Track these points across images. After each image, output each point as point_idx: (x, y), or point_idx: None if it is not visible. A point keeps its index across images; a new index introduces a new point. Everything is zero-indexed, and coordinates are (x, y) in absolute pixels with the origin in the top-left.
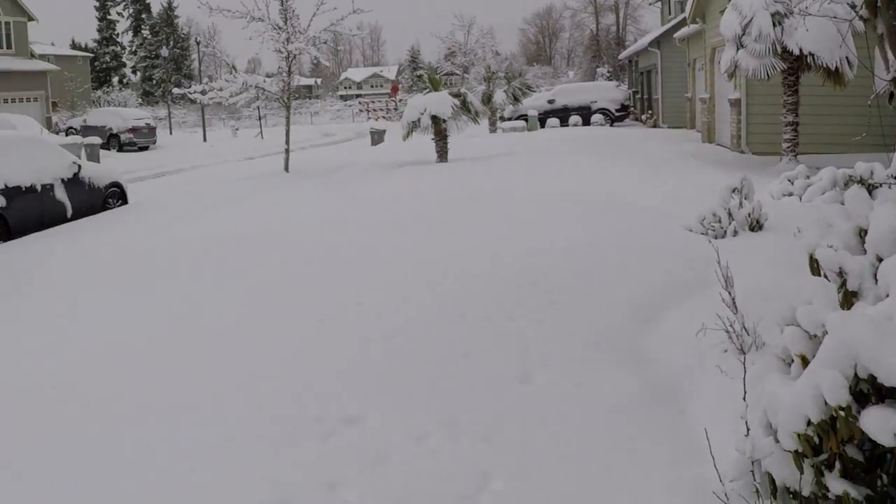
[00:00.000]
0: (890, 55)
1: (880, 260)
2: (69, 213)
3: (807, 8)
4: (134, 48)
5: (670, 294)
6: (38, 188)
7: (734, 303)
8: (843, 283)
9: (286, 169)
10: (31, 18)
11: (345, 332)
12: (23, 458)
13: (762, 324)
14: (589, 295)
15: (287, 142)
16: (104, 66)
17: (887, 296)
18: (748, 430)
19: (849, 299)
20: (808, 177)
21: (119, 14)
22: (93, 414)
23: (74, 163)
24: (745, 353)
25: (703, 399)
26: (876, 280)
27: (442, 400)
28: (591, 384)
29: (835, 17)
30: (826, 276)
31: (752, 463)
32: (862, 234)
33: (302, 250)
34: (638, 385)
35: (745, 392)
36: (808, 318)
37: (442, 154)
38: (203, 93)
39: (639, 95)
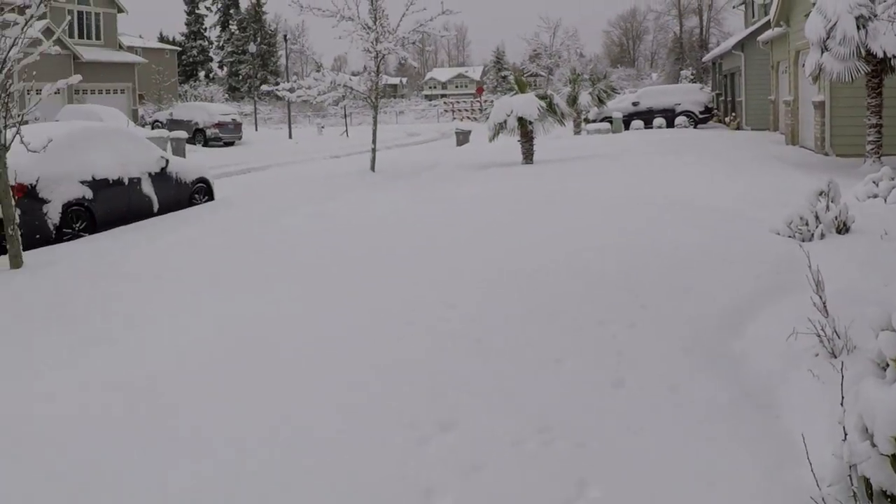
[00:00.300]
0: None
1: None
2: (155, 207)
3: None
4: (221, 43)
5: (759, 297)
6: (126, 181)
7: (825, 306)
8: None
9: (372, 168)
10: (120, 10)
11: (435, 335)
12: None
13: (853, 327)
14: (678, 298)
15: (374, 141)
16: (191, 60)
17: None
18: (845, 434)
19: None
20: (892, 178)
21: (207, 9)
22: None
23: (162, 157)
24: (836, 357)
25: (797, 403)
26: None
27: (536, 405)
28: (685, 389)
29: None
30: None
31: (850, 467)
32: None
33: (390, 251)
34: (731, 389)
35: (843, 397)
36: None
37: (528, 156)
38: (291, 90)
39: (722, 98)
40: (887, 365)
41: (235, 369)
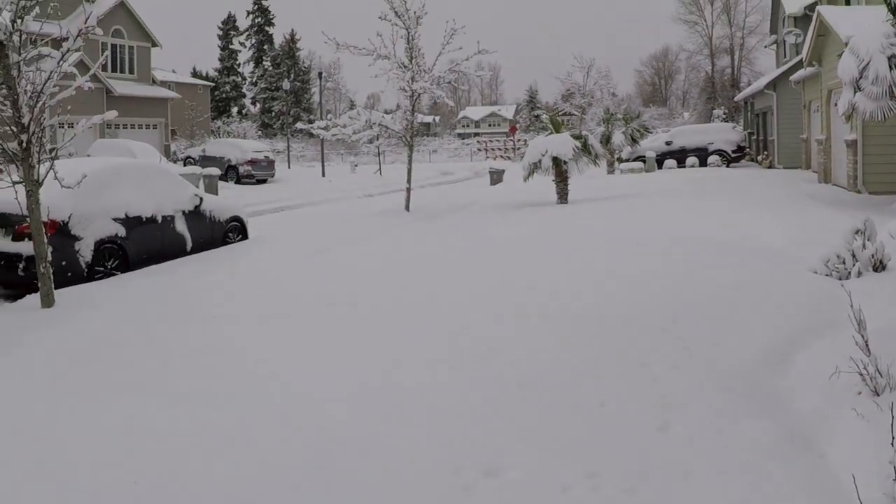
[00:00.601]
0: None
1: None
2: (189, 246)
3: None
4: (254, 79)
5: (800, 336)
6: (159, 219)
7: (867, 345)
8: None
9: (407, 208)
10: (154, 44)
11: (477, 379)
12: None
13: (895, 365)
14: (720, 338)
15: (408, 180)
16: (224, 95)
17: None
18: None
19: None
20: None
21: (241, 44)
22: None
23: (196, 195)
24: (879, 395)
25: (842, 442)
26: None
27: (582, 449)
28: (730, 430)
29: None
30: None
31: None
32: None
33: (429, 294)
34: (776, 430)
35: (894, 437)
36: None
37: (562, 195)
38: (326, 128)
39: (754, 136)
40: None
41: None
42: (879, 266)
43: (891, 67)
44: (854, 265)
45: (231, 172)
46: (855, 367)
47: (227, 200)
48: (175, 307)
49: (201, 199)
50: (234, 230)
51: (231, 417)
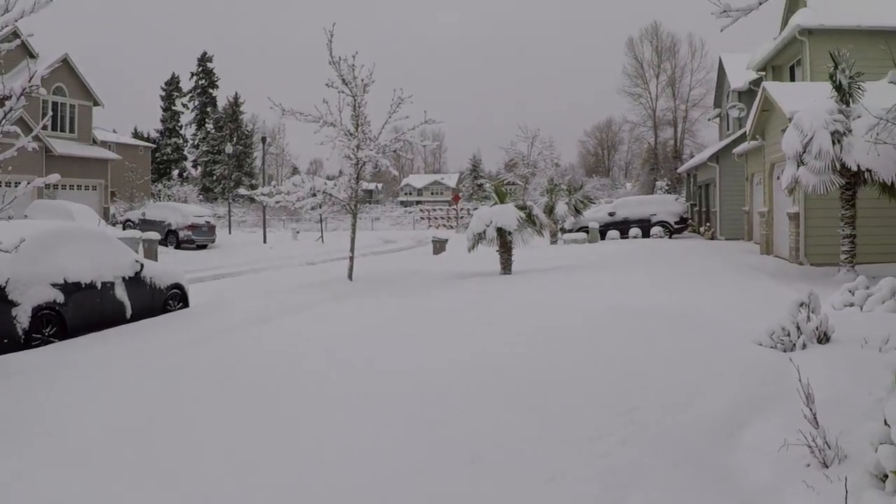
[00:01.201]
0: None
1: None
2: (128, 313)
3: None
4: (196, 142)
5: (747, 408)
6: (99, 285)
7: (815, 418)
8: None
9: (350, 277)
10: (96, 103)
11: (422, 451)
12: None
13: (843, 437)
14: (668, 412)
15: (352, 249)
16: (165, 157)
17: None
18: None
19: None
20: (867, 287)
21: (184, 105)
22: None
23: (136, 261)
24: (828, 467)
25: None
26: None
27: None
28: None
29: None
30: None
31: None
32: None
33: (369, 368)
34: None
35: None
36: None
37: (506, 266)
38: (269, 195)
39: (697, 208)
40: (885, 476)
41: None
42: (824, 338)
43: (834, 142)
44: (799, 337)
45: (171, 237)
46: (803, 439)
47: (168, 267)
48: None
49: (142, 265)
50: (175, 297)
51: None
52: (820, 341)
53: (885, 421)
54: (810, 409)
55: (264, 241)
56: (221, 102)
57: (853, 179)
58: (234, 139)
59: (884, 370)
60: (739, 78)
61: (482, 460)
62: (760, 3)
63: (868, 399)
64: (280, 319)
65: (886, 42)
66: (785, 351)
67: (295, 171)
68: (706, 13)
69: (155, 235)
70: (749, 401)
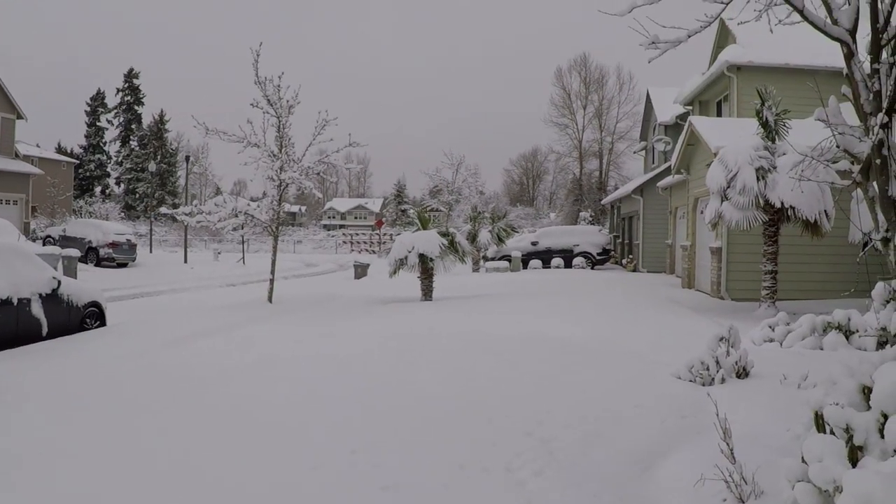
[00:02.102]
0: (881, 216)
1: (885, 416)
2: (44, 331)
3: (802, 171)
4: (120, 159)
5: (665, 442)
6: (14, 302)
7: (732, 453)
8: (850, 439)
9: (269, 299)
10: (20, 116)
11: (330, 484)
12: None
13: (759, 472)
14: (585, 443)
15: (272, 271)
16: (88, 174)
17: (895, 451)
18: None
19: (855, 454)
20: (788, 323)
21: (109, 122)
22: None
23: (54, 278)
24: (744, 503)
25: None
26: (882, 435)
27: None
28: None
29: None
30: (832, 432)
31: None
32: (865, 391)
33: (283, 394)
34: None
35: None
36: (820, 476)
37: (427, 292)
38: (191, 214)
39: (620, 240)
40: None
41: None
42: (743, 373)
43: (758, 179)
44: (718, 372)
45: (91, 254)
46: (720, 474)
47: (86, 284)
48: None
49: (59, 282)
50: (93, 316)
51: None
52: (739, 376)
53: (802, 458)
54: (727, 444)
55: (185, 261)
56: (147, 120)
57: (776, 216)
58: (159, 157)
59: (802, 407)
60: (666, 112)
61: (397, 487)
62: (689, 36)
63: (786, 435)
64: (196, 341)
65: (815, 80)
66: (704, 385)
67: (218, 191)
68: (636, 46)
69: (75, 252)
70: (667, 434)
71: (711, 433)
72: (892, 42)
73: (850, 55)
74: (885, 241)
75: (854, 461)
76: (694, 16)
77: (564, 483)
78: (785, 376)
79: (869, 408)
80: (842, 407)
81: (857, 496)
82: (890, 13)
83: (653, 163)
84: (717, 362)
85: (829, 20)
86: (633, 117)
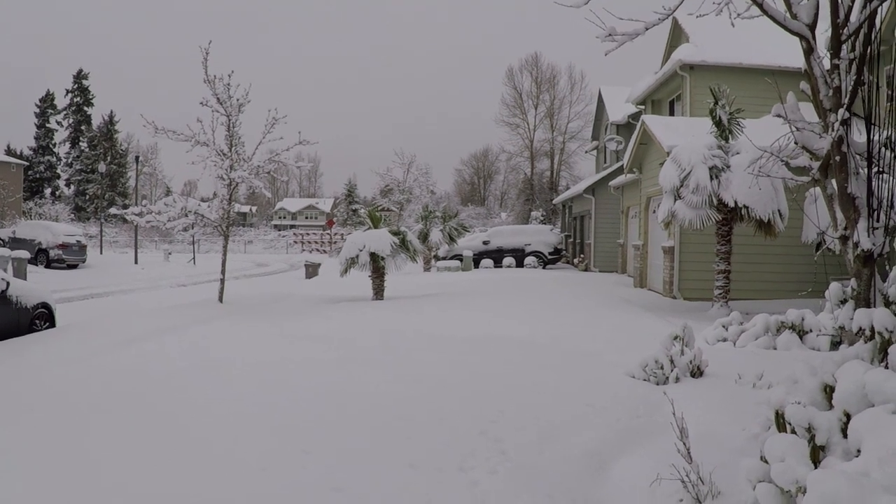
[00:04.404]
0: (839, 213)
1: (848, 416)
2: None
3: (760, 168)
4: (70, 160)
5: (619, 441)
6: None
7: (689, 453)
8: (812, 439)
9: (220, 299)
10: None
11: (287, 484)
12: None
13: (717, 472)
14: (539, 443)
15: (223, 271)
16: (38, 175)
17: (858, 451)
18: None
19: (817, 454)
20: (741, 323)
21: (59, 123)
22: None
23: (3, 279)
24: (701, 503)
25: None
26: (845, 435)
27: None
28: None
29: (792, 179)
30: (794, 431)
31: None
32: (827, 390)
33: (234, 395)
34: None
35: None
36: (782, 476)
37: (378, 292)
38: (140, 215)
39: (571, 239)
40: None
41: None
42: (697, 372)
43: (711, 178)
44: (672, 371)
45: (41, 256)
46: (676, 473)
47: (36, 285)
48: None
49: (8, 283)
50: (42, 317)
51: None
52: (694, 375)
53: (762, 458)
54: (684, 444)
55: (135, 262)
56: (96, 121)
57: (730, 215)
58: (108, 158)
59: (757, 406)
60: (618, 111)
61: (349, 489)
62: (647, 29)
63: (742, 435)
64: (145, 343)
65: (773, 78)
66: (658, 384)
67: (168, 191)
68: (588, 46)
69: (24, 254)
70: (621, 434)
71: (666, 433)
72: (853, 37)
73: (809, 50)
74: (844, 238)
75: (816, 461)
76: (652, 8)
77: (518, 483)
78: (740, 376)
79: (831, 407)
80: (804, 406)
81: (823, 496)
82: (850, 8)
83: (605, 162)
84: (672, 361)
85: (788, 15)
86: (584, 117)
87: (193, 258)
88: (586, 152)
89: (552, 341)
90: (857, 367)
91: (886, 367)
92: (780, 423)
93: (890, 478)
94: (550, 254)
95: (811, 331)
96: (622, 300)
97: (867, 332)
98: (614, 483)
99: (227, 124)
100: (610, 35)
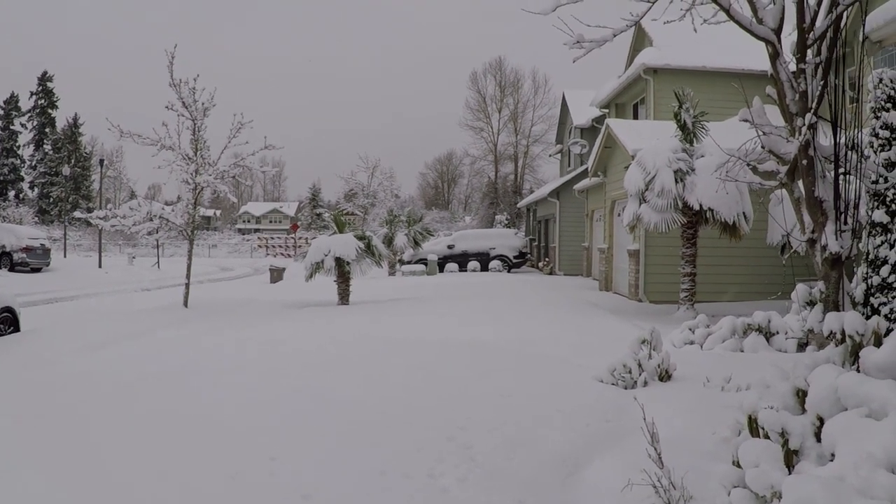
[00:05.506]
0: (806, 217)
1: (821, 420)
2: None
3: (727, 172)
4: (34, 163)
5: (589, 446)
6: None
7: (660, 458)
8: (786, 443)
9: (185, 304)
10: None
11: (257, 494)
12: None
13: (688, 477)
14: (508, 448)
15: (188, 276)
16: (1, 178)
17: (833, 455)
18: None
19: (791, 459)
20: (707, 326)
21: (23, 125)
22: None
23: None
24: None
25: None
26: (818, 439)
27: None
28: None
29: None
30: (767, 436)
31: None
32: (800, 394)
33: (199, 401)
34: None
35: None
36: (757, 481)
37: (344, 296)
38: (105, 219)
39: (536, 243)
40: None
41: None
42: (665, 376)
43: (676, 181)
44: (640, 375)
45: (5, 259)
46: (647, 478)
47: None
48: None
49: None
50: (6, 322)
51: None
52: (662, 379)
53: (734, 462)
54: (655, 449)
55: (100, 266)
56: (61, 123)
57: (695, 218)
58: (73, 161)
59: (726, 410)
60: (582, 115)
61: (317, 496)
62: (615, 35)
63: (712, 439)
64: (110, 347)
65: (739, 82)
66: (626, 388)
67: (133, 195)
68: (553, 49)
69: None
70: (591, 439)
71: (636, 437)
72: (819, 42)
73: (775, 55)
74: (812, 242)
75: (790, 466)
76: (619, 14)
77: (488, 489)
78: (708, 379)
79: (804, 411)
80: (776, 410)
81: (798, 501)
82: (817, 13)
83: (569, 166)
84: (640, 365)
85: (754, 20)
86: (548, 121)
87: (158, 262)
88: (550, 156)
89: (519, 345)
90: (829, 371)
91: (858, 370)
92: (753, 427)
93: (865, 482)
94: (515, 257)
95: (778, 332)
96: (588, 304)
97: (838, 336)
98: (585, 488)
99: (192, 128)
100: (578, 42)
